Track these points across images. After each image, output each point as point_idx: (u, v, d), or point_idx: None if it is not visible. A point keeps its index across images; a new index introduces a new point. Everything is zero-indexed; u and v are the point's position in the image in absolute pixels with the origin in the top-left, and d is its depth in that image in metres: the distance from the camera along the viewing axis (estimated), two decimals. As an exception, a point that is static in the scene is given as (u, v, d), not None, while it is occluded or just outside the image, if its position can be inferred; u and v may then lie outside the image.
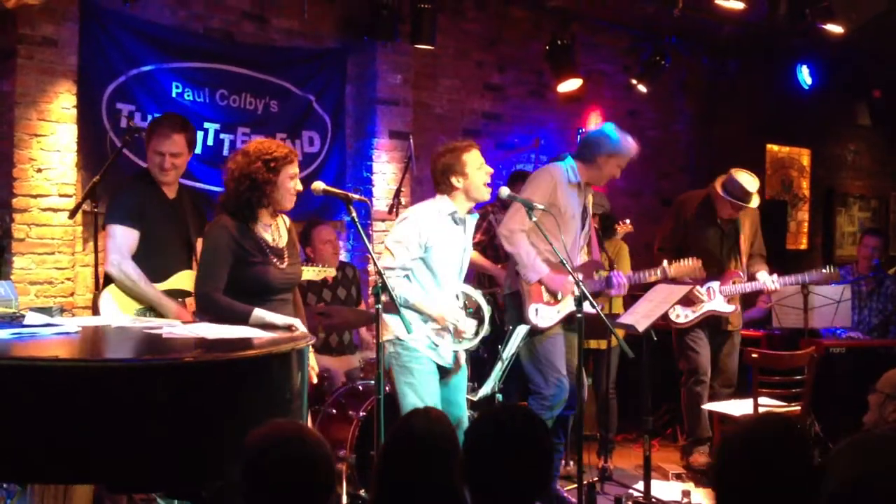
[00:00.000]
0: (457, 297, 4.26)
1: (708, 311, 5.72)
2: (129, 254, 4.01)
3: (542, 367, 4.69)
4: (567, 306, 4.74)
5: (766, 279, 5.70)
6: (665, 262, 5.21)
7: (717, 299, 5.72)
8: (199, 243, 4.27)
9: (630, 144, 4.90)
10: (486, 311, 4.30)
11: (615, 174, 4.95)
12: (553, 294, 4.76)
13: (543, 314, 4.72)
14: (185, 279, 4.11)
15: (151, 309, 4.02)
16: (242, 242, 3.62)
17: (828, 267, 5.93)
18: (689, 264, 5.19)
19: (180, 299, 4.10)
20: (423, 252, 4.16)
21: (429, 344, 4.19)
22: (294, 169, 3.72)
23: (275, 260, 3.70)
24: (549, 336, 4.73)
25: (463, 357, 4.34)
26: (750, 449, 2.14)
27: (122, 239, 4.02)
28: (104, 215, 4.23)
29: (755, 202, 5.66)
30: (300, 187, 3.77)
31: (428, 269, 4.18)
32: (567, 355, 4.79)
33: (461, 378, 4.33)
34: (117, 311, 3.96)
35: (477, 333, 4.25)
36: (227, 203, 3.69)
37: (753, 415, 4.83)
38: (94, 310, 4.14)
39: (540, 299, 4.74)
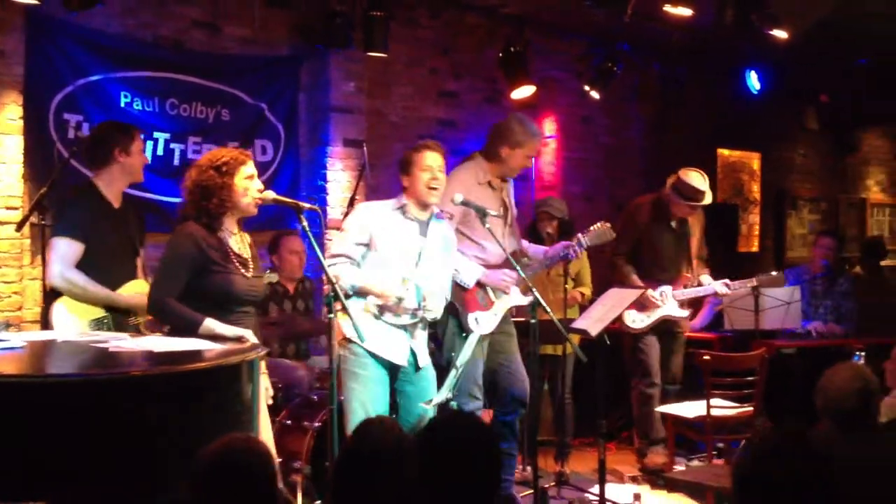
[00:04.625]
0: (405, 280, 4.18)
1: (662, 315, 5.77)
2: (72, 265, 3.95)
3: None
4: (503, 307, 4.75)
5: (716, 284, 5.76)
6: (579, 234, 5.10)
7: (670, 304, 5.77)
8: (140, 254, 4.24)
9: (532, 133, 4.80)
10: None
11: (525, 164, 4.90)
12: (487, 299, 4.74)
13: (483, 321, 4.71)
14: (134, 289, 4.06)
15: (107, 316, 3.97)
16: (207, 250, 3.58)
17: (775, 272, 6.05)
18: (600, 227, 5.02)
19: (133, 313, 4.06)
20: (366, 239, 4.15)
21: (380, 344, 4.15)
22: (248, 170, 3.68)
23: (241, 269, 3.67)
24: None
25: (424, 362, 4.30)
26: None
27: (65, 251, 3.96)
28: (51, 228, 4.17)
29: (708, 199, 5.72)
30: (261, 186, 3.73)
31: (381, 261, 4.16)
32: (507, 361, 4.79)
33: (423, 388, 4.27)
34: (72, 322, 3.90)
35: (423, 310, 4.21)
36: (189, 213, 3.65)
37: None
38: (45, 324, 4.06)
39: (477, 307, 4.71)
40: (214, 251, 3.59)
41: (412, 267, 4.22)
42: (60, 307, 3.95)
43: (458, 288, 4.64)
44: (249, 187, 3.67)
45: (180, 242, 3.60)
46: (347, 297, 4.06)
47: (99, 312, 3.99)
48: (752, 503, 2.23)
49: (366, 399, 4.12)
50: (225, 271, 3.61)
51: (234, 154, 3.69)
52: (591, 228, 5.02)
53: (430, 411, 4.12)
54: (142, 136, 4.31)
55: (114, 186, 4.15)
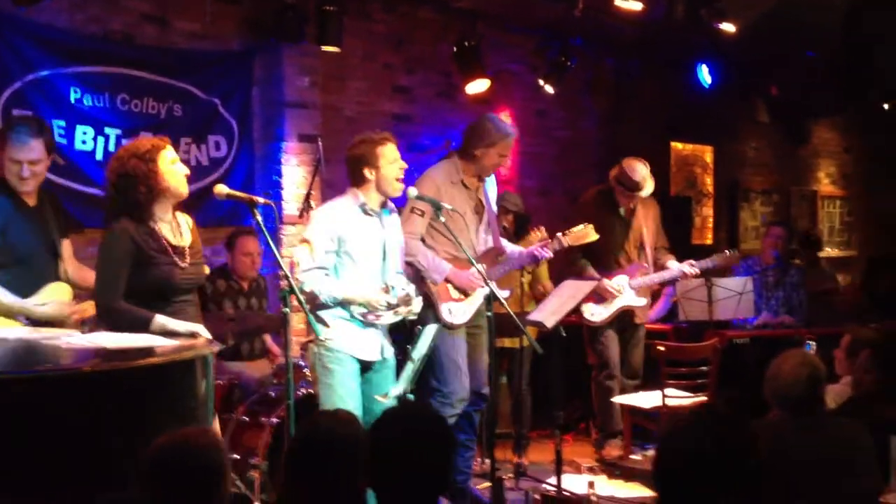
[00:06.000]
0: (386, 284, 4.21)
1: (621, 306, 5.82)
2: None
3: (445, 363, 4.70)
4: (478, 299, 4.78)
5: (682, 266, 5.86)
6: (559, 234, 5.19)
7: (627, 293, 5.83)
8: (65, 245, 4.06)
9: (504, 131, 4.89)
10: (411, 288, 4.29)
11: (499, 163, 4.97)
12: (461, 290, 4.78)
13: (456, 311, 4.74)
14: (55, 291, 3.91)
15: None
16: (142, 243, 3.52)
17: (729, 250, 6.17)
18: (582, 230, 5.14)
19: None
20: (336, 245, 4.14)
21: (352, 341, 4.16)
22: (170, 154, 3.64)
23: (176, 259, 3.62)
24: (453, 334, 4.75)
25: (390, 353, 4.31)
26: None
27: None
28: None
29: (648, 189, 5.81)
30: (187, 171, 3.70)
31: (351, 262, 4.17)
32: (472, 354, 4.82)
33: (385, 377, 4.29)
34: None
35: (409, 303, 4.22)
36: (117, 208, 3.58)
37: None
38: None
39: (449, 297, 4.75)
40: (148, 244, 3.54)
41: (379, 262, 4.24)
42: None
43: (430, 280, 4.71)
44: (175, 171, 3.64)
45: (115, 241, 3.53)
46: (325, 307, 4.09)
47: (16, 323, 3.77)
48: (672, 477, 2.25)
49: (342, 393, 4.11)
50: (160, 263, 3.56)
51: (152, 141, 3.67)
52: (573, 229, 5.12)
53: (387, 403, 4.13)
54: (28, 142, 3.84)
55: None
